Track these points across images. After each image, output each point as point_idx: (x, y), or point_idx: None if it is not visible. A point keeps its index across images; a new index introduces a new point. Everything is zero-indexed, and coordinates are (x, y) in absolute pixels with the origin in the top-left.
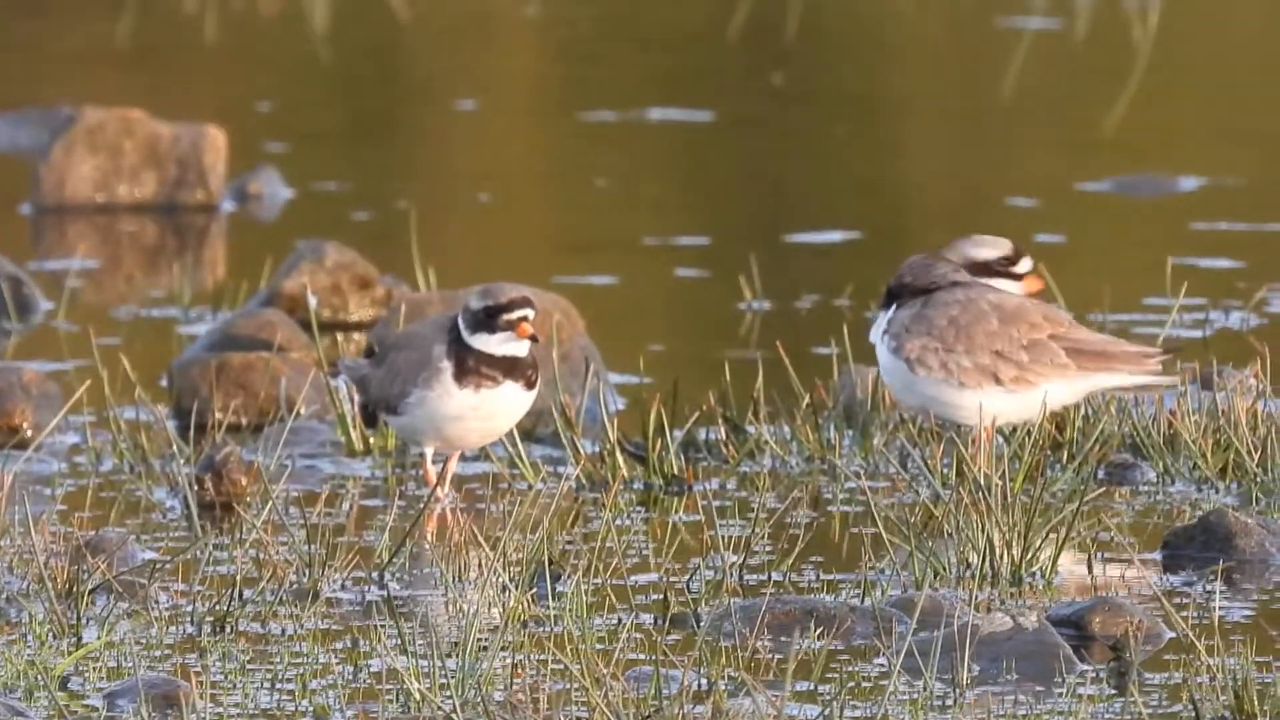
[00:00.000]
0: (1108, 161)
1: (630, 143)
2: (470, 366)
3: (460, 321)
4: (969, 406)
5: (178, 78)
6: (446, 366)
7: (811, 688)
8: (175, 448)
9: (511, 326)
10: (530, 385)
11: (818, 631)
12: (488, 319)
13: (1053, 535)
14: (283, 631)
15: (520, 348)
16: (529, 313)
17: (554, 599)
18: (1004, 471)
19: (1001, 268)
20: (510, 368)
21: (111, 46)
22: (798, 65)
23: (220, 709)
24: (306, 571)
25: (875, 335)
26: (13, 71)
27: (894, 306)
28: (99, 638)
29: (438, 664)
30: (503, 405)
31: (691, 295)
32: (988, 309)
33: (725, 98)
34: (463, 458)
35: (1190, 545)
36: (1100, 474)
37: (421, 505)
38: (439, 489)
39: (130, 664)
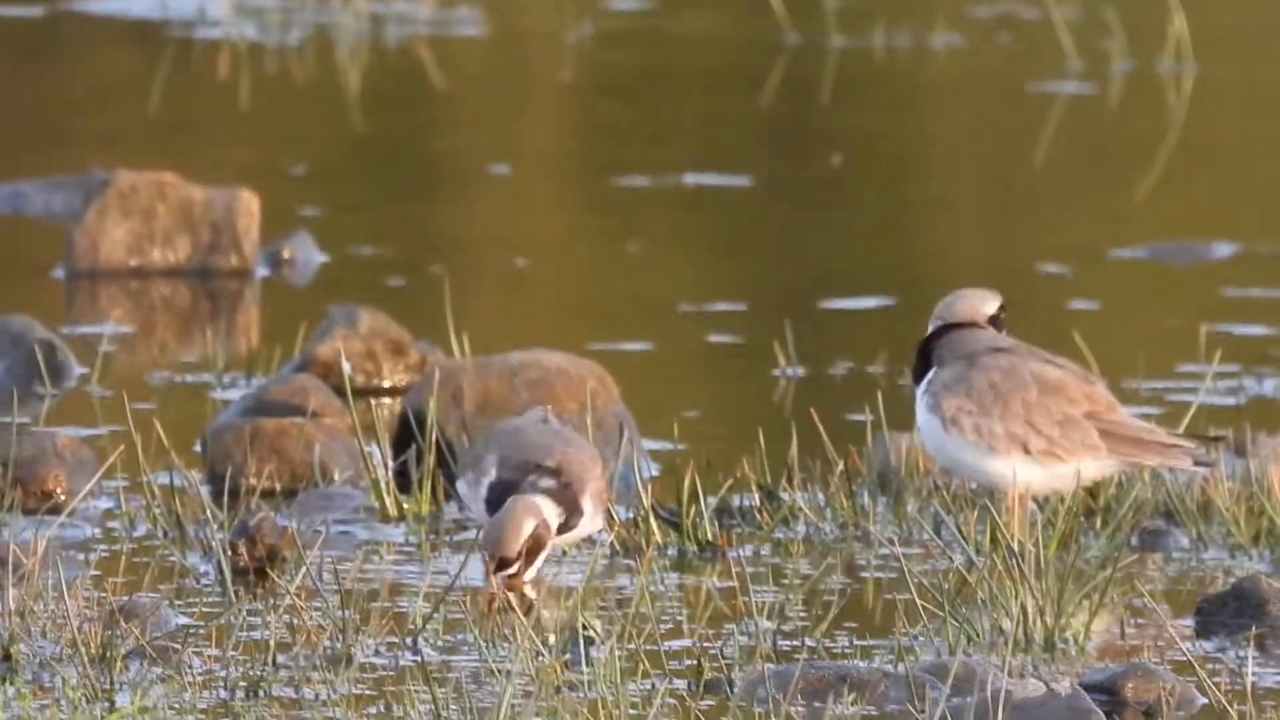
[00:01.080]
0: (1141, 228)
1: (665, 208)
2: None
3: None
4: (997, 472)
5: (211, 142)
6: (482, 490)
7: None
8: (209, 513)
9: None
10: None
11: (851, 697)
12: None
13: (1086, 601)
14: (316, 697)
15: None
16: (494, 563)
17: (588, 664)
18: (1037, 538)
19: (998, 319)
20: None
21: (145, 111)
22: (835, 131)
23: None
24: (340, 637)
25: (919, 393)
26: (46, 135)
27: (933, 369)
28: (132, 703)
29: None
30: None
31: (726, 362)
32: (1029, 379)
33: (759, 162)
34: None
35: (1223, 611)
36: (1134, 540)
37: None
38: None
39: None
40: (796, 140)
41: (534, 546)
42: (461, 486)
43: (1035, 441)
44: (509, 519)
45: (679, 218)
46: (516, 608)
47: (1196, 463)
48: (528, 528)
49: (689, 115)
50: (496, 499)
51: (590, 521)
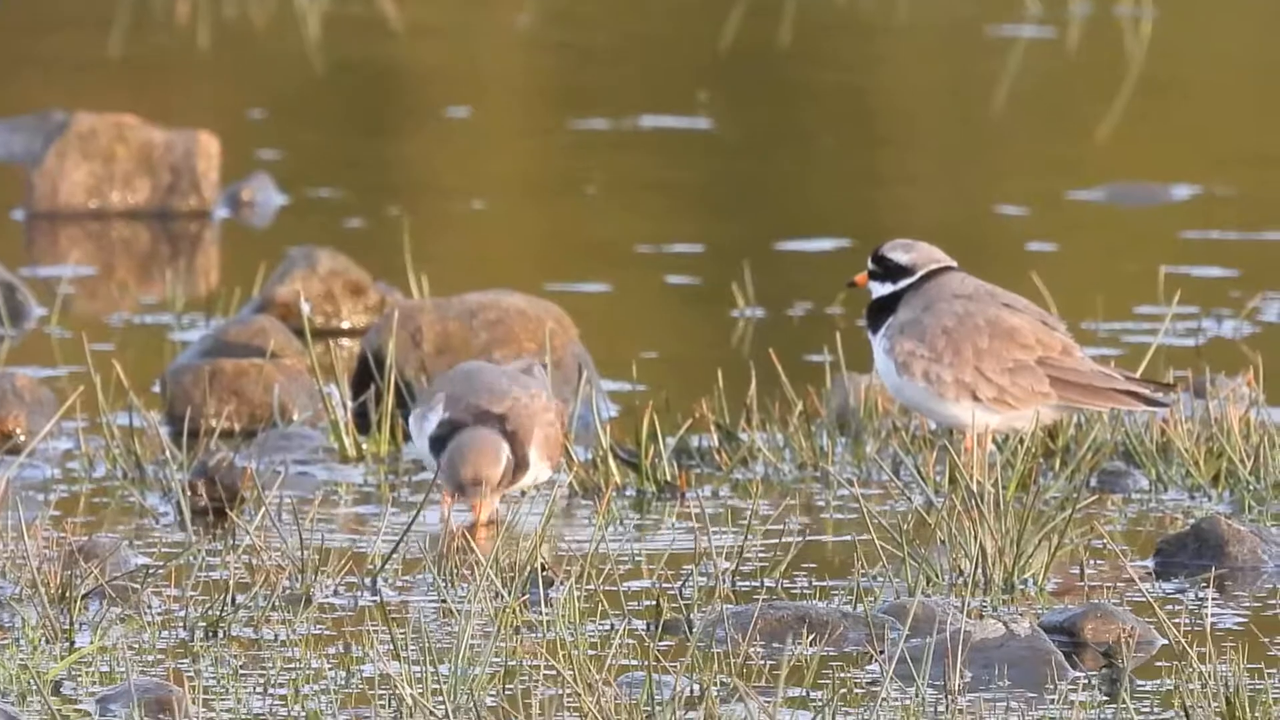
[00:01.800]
0: (1100, 170)
1: (623, 151)
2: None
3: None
4: (952, 414)
5: (171, 85)
6: (429, 424)
7: (804, 694)
8: (168, 453)
9: (470, 499)
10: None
11: (810, 638)
12: (455, 486)
13: (1045, 542)
14: (275, 637)
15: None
16: (481, 489)
17: (546, 605)
18: (997, 479)
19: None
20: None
21: (105, 54)
22: (794, 74)
23: (212, 714)
24: (299, 577)
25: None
26: (6, 78)
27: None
28: (92, 643)
29: (430, 669)
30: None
31: (684, 303)
32: (982, 324)
33: (718, 105)
34: None
35: (1183, 553)
36: (1093, 482)
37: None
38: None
39: (123, 669)
40: (756, 84)
41: (501, 480)
42: (412, 420)
43: (984, 389)
44: (486, 444)
45: (637, 160)
46: (476, 548)
47: (1151, 402)
48: (504, 454)
49: (648, 58)
50: (441, 438)
51: (534, 473)
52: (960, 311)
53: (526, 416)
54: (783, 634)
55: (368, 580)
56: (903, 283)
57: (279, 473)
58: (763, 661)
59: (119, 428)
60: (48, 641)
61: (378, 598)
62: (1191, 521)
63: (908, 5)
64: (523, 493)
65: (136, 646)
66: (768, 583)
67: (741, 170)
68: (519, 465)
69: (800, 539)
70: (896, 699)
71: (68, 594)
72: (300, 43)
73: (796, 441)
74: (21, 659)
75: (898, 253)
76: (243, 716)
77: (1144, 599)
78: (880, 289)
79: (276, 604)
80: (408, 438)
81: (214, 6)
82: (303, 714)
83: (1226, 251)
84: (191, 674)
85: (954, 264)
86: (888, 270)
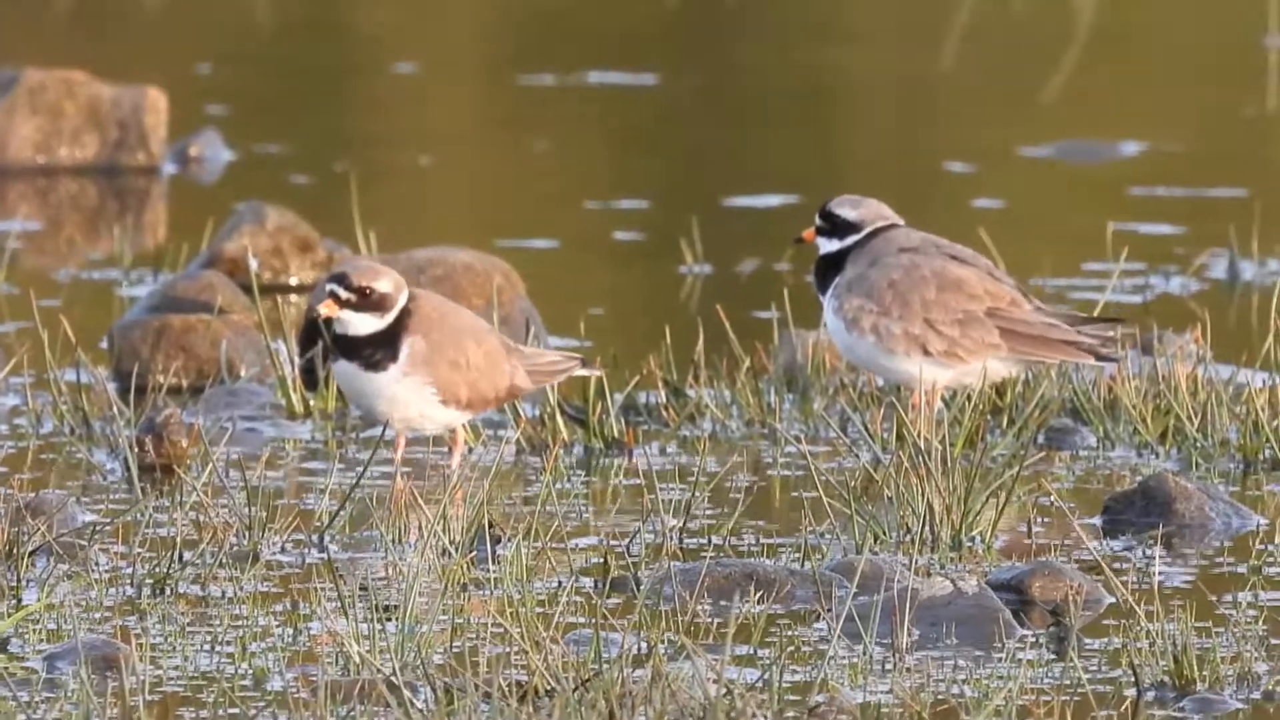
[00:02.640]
0: (1049, 127)
1: (571, 106)
2: (327, 335)
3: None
4: (902, 370)
5: (119, 40)
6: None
7: (751, 651)
8: (115, 410)
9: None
10: (370, 365)
11: (757, 595)
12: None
13: (993, 500)
14: (222, 594)
15: (335, 324)
16: (334, 288)
17: (494, 562)
18: (944, 436)
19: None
20: (342, 344)
21: (53, 9)
22: (741, 30)
23: (160, 671)
24: (246, 534)
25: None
26: None
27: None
28: (39, 600)
29: (377, 627)
30: (347, 380)
31: (632, 259)
32: (929, 276)
33: (665, 62)
34: None
35: (1130, 510)
36: (1040, 439)
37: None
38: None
39: (70, 626)
40: (704, 40)
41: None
42: None
43: (935, 342)
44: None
45: (585, 116)
46: (422, 504)
47: (1099, 358)
48: (391, 277)
49: (596, 14)
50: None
51: (404, 378)
52: (906, 264)
53: (428, 316)
54: (730, 591)
55: (315, 537)
56: (850, 239)
57: (226, 429)
58: (710, 619)
59: (67, 384)
60: None
61: (325, 555)
62: (1139, 479)
63: None
64: (481, 443)
65: (84, 604)
66: (715, 540)
67: (689, 126)
68: (388, 343)
69: (748, 496)
70: (844, 656)
71: (14, 551)
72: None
73: (744, 398)
74: None
75: (845, 209)
76: (190, 674)
77: (1092, 557)
78: (828, 245)
79: (224, 561)
80: None
81: None
82: (250, 671)
83: (1174, 208)
84: (139, 631)
85: (901, 222)
86: (835, 226)
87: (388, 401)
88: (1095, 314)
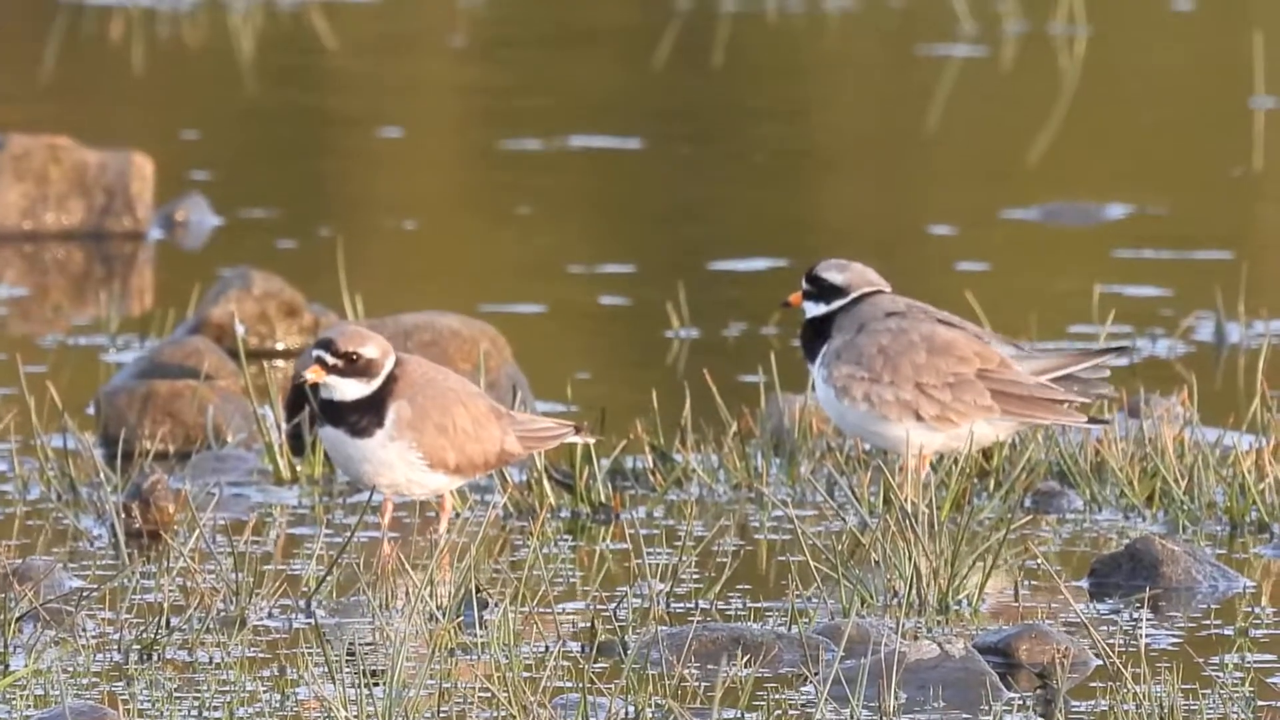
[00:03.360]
0: (1033, 190)
1: (555, 171)
2: (313, 400)
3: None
4: (895, 437)
5: (105, 106)
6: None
7: (738, 716)
8: (102, 476)
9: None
10: (356, 432)
11: (745, 659)
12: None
13: (980, 563)
14: (210, 659)
15: (321, 390)
16: (322, 354)
17: (481, 627)
18: (931, 499)
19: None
20: (329, 410)
21: (38, 75)
22: (725, 93)
23: None
24: (234, 599)
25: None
26: None
27: (829, 337)
28: (26, 665)
29: (365, 692)
30: (334, 446)
31: (618, 323)
32: (918, 340)
33: (650, 126)
34: None
35: (1117, 573)
36: (1027, 502)
37: (349, 534)
38: (384, 521)
39: (57, 692)
40: (688, 103)
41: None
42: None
43: (927, 407)
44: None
45: (569, 180)
46: (409, 569)
47: (1091, 420)
48: (377, 341)
49: (580, 78)
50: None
51: (390, 444)
52: (894, 328)
53: (415, 381)
54: (717, 655)
55: (302, 602)
56: (836, 303)
57: (213, 495)
58: (697, 683)
59: (53, 449)
60: None
61: (312, 620)
62: (1126, 542)
63: (840, 25)
64: (469, 507)
65: (71, 669)
66: (702, 604)
67: (673, 190)
68: (374, 409)
69: (735, 560)
70: None
71: (2, 617)
72: (234, 64)
73: (731, 462)
74: None
75: (832, 272)
76: None
77: (1078, 619)
78: (814, 309)
79: (211, 626)
80: None
81: (148, 28)
82: None
83: (1160, 270)
84: (126, 697)
85: (887, 287)
86: (821, 290)
87: (374, 466)
88: (1082, 377)
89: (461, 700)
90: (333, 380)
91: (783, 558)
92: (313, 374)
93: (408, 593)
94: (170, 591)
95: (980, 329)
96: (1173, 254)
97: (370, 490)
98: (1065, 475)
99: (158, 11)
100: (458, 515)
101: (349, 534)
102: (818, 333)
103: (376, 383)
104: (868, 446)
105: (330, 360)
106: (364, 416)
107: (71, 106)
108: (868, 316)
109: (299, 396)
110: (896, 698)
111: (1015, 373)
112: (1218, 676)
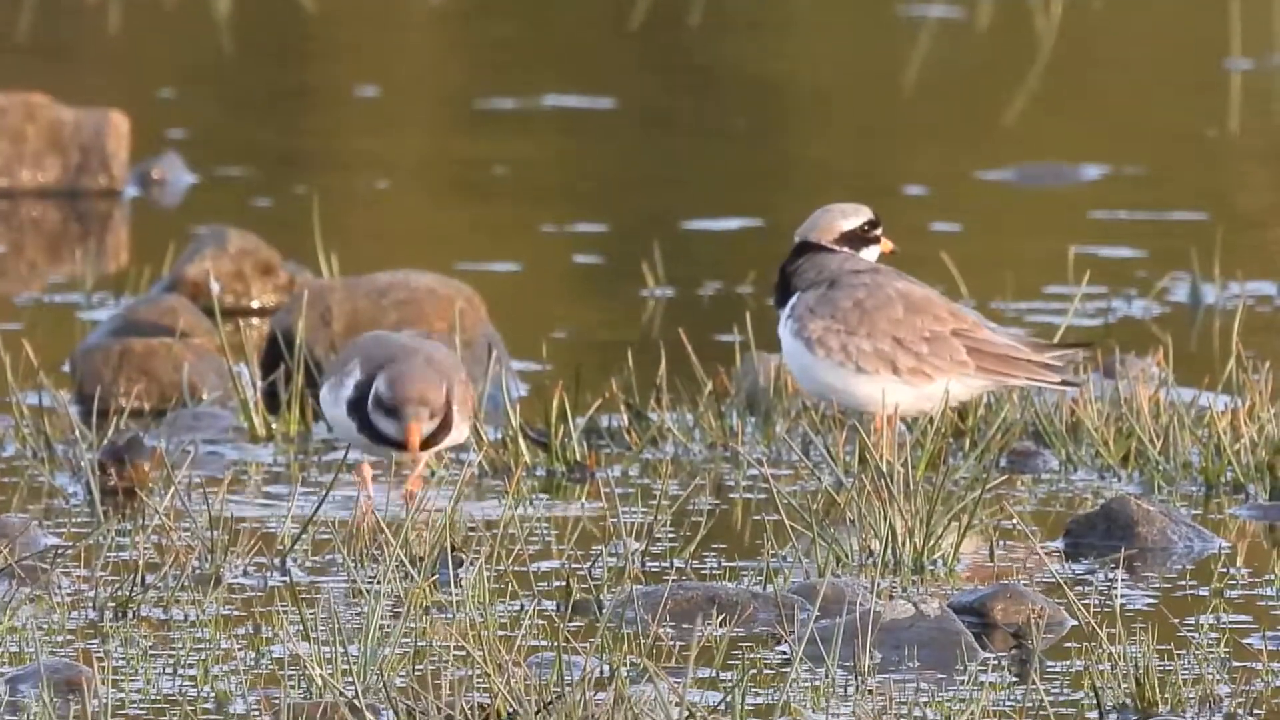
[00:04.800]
0: (1009, 151)
1: (530, 130)
2: (366, 420)
3: (370, 396)
4: (865, 394)
5: (81, 64)
6: (345, 392)
7: (713, 674)
8: (78, 433)
9: (398, 416)
10: (426, 447)
11: (720, 618)
12: (388, 411)
13: (955, 523)
14: (185, 617)
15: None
16: (421, 413)
17: (456, 585)
18: (906, 459)
19: (865, 233)
20: (399, 444)
21: (15, 33)
22: (699, 52)
23: (122, 694)
24: (208, 557)
25: (782, 319)
26: None
27: (795, 295)
28: (1, 623)
29: (340, 650)
30: (388, 454)
31: (593, 282)
32: (894, 295)
33: (624, 85)
34: None
35: (1092, 533)
36: (1002, 462)
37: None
38: (367, 485)
39: (32, 649)
40: (663, 62)
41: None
42: (324, 393)
43: (904, 359)
44: (428, 368)
45: (544, 140)
46: (384, 528)
47: (1064, 383)
48: (444, 383)
49: (555, 38)
50: (360, 399)
51: (456, 433)
52: (869, 283)
53: (448, 369)
54: (692, 614)
55: (277, 560)
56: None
57: (188, 452)
58: (672, 642)
59: (28, 407)
60: None
61: (287, 578)
62: (1101, 502)
63: None
64: (444, 466)
65: (46, 627)
66: (677, 563)
67: (647, 150)
68: (444, 427)
69: (710, 519)
70: (806, 679)
71: None
72: (210, 22)
73: (706, 421)
74: None
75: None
76: (152, 697)
77: (1054, 580)
78: None
79: (186, 584)
80: (317, 417)
81: None
82: (212, 694)
83: (1135, 231)
84: (101, 654)
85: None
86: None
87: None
88: (1058, 338)
89: (436, 658)
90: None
91: (758, 517)
92: (416, 438)
93: (383, 551)
94: (145, 549)
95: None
96: (1148, 215)
97: (345, 449)
98: (1041, 435)
99: None
100: (432, 474)
101: (324, 492)
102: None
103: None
104: (843, 409)
105: (427, 418)
106: (435, 435)
107: (48, 64)
108: (837, 271)
109: (274, 354)
110: (871, 657)
111: (988, 333)
112: (1193, 637)
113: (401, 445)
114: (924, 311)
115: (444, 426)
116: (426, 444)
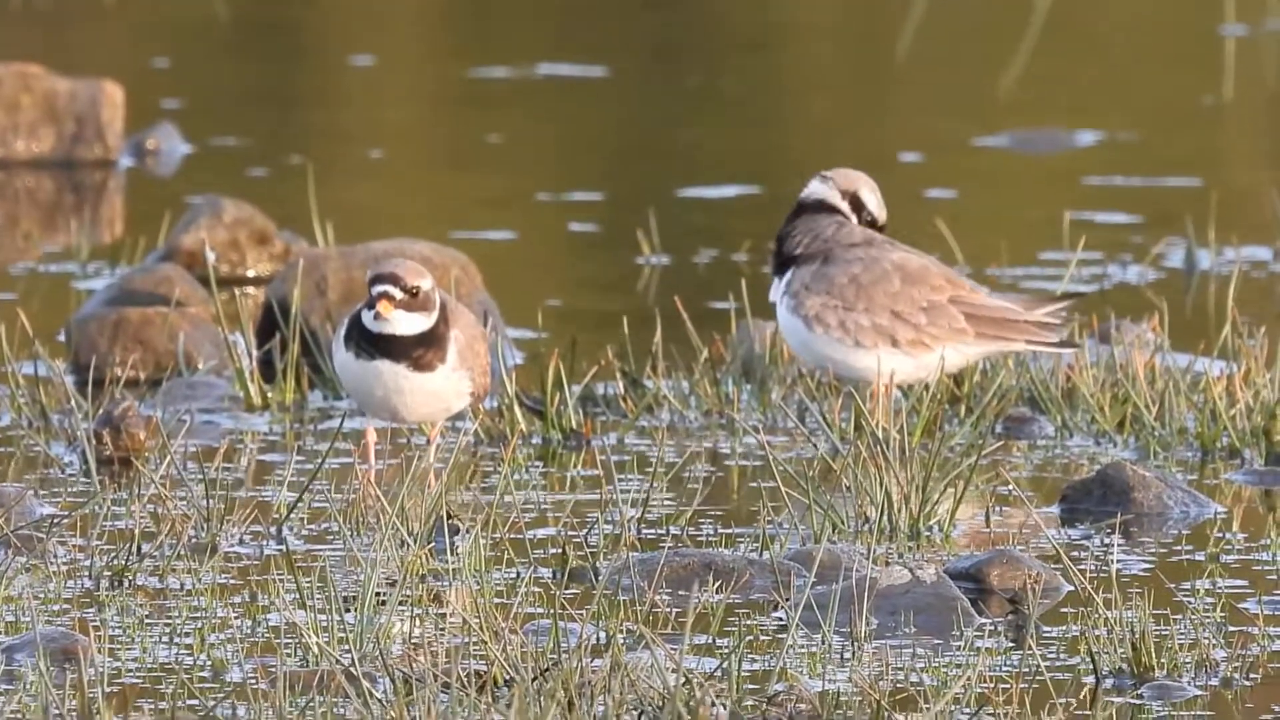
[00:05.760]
0: (1003, 117)
1: (524, 99)
2: (354, 335)
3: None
4: (864, 365)
5: (76, 34)
6: (342, 328)
7: (710, 641)
8: (73, 402)
9: (372, 304)
10: (420, 366)
11: (716, 585)
12: (368, 305)
13: (951, 489)
14: (181, 586)
15: (383, 325)
16: (389, 289)
17: (452, 553)
18: (902, 425)
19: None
20: (386, 345)
21: (9, 3)
22: (693, 20)
23: (118, 663)
24: (205, 526)
25: (775, 295)
26: None
27: (791, 267)
28: None
29: (336, 618)
30: (384, 381)
31: (588, 250)
32: (890, 269)
33: (618, 54)
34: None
35: (1088, 499)
36: (998, 428)
37: (320, 462)
38: (369, 457)
39: (28, 618)
40: (658, 31)
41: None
42: (334, 346)
43: (903, 332)
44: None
45: (538, 108)
46: (380, 496)
47: (1062, 344)
48: (429, 278)
49: (549, 6)
50: (352, 323)
51: (453, 379)
52: (864, 257)
53: (452, 308)
54: (688, 581)
55: (273, 529)
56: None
57: (184, 421)
58: (669, 609)
59: (24, 377)
60: None
61: (283, 546)
62: (1097, 468)
63: None
64: (441, 433)
65: (42, 596)
66: (673, 530)
67: (642, 118)
68: (437, 343)
69: (706, 486)
70: (803, 645)
71: None
72: None
73: (702, 388)
74: None
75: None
76: (149, 666)
77: (1050, 545)
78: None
79: (182, 553)
80: (312, 386)
81: None
82: (208, 663)
83: (1130, 197)
84: (97, 623)
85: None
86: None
87: (425, 399)
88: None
89: (433, 626)
90: (398, 315)
91: (754, 484)
92: (384, 308)
93: (378, 519)
94: (141, 518)
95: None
96: (1143, 181)
97: (341, 418)
98: (1036, 401)
99: None
100: (428, 441)
101: (320, 461)
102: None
103: (435, 315)
104: (843, 378)
105: (398, 295)
106: (428, 350)
107: (43, 34)
108: (830, 242)
109: (270, 323)
110: (868, 623)
111: (983, 298)
112: (1189, 602)
113: (387, 346)
114: (921, 282)
115: (436, 340)
116: (420, 360)
